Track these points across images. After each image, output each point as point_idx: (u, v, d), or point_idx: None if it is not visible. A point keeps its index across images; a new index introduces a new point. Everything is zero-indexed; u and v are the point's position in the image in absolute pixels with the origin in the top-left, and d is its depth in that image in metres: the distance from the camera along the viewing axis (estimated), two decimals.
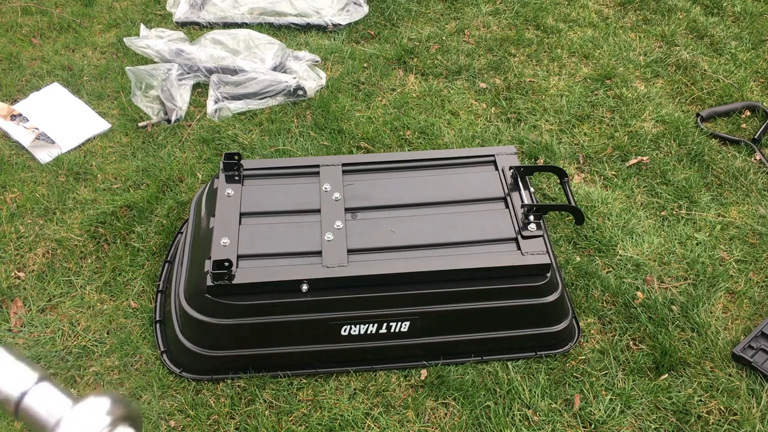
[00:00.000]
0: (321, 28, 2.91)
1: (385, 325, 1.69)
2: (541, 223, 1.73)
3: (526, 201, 1.78)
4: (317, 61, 2.72)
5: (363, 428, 1.65)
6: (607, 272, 1.99)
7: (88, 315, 1.88)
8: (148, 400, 1.70)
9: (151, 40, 2.70)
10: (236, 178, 1.83)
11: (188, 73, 2.60)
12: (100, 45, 2.82)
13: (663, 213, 2.17)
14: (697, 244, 2.07)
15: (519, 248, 1.68)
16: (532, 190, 1.82)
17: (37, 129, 2.40)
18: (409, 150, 2.35)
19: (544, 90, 2.62)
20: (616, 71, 2.70)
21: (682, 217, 2.16)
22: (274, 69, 2.62)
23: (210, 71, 2.60)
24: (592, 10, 3.05)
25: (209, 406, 1.68)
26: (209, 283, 1.59)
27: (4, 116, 2.45)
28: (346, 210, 1.75)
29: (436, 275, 1.64)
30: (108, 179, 2.26)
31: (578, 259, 2.01)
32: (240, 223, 1.72)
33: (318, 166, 1.87)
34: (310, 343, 1.72)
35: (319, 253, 1.65)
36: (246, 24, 2.91)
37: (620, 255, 2.03)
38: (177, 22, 2.93)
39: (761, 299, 1.93)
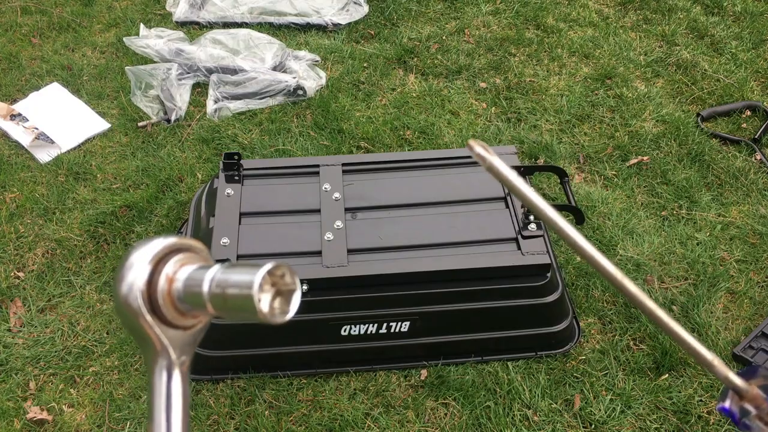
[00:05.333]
0: (321, 28, 2.91)
1: (385, 325, 1.69)
2: (542, 223, 1.73)
3: None
4: (317, 61, 2.72)
5: (363, 428, 1.65)
6: None
7: (88, 315, 1.87)
8: (147, 400, 1.69)
9: (150, 39, 2.70)
10: (236, 177, 1.83)
11: (188, 73, 2.60)
12: (100, 45, 2.82)
13: (663, 213, 2.17)
14: (697, 244, 2.07)
15: (519, 248, 1.67)
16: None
17: (36, 129, 2.40)
18: (409, 150, 2.35)
19: (544, 90, 2.61)
20: (616, 71, 2.70)
21: (683, 217, 2.15)
22: (274, 69, 2.61)
23: (210, 71, 2.59)
24: (592, 9, 3.05)
25: (209, 407, 1.68)
26: None
27: (4, 116, 2.45)
28: (346, 210, 1.75)
29: (436, 275, 1.64)
30: (108, 179, 2.25)
31: (578, 258, 2.01)
32: (240, 223, 1.71)
33: (318, 165, 1.87)
34: (310, 343, 1.72)
35: (319, 253, 1.65)
36: (246, 24, 2.90)
37: (621, 255, 2.02)
38: (177, 22, 2.93)
39: (762, 299, 1.93)
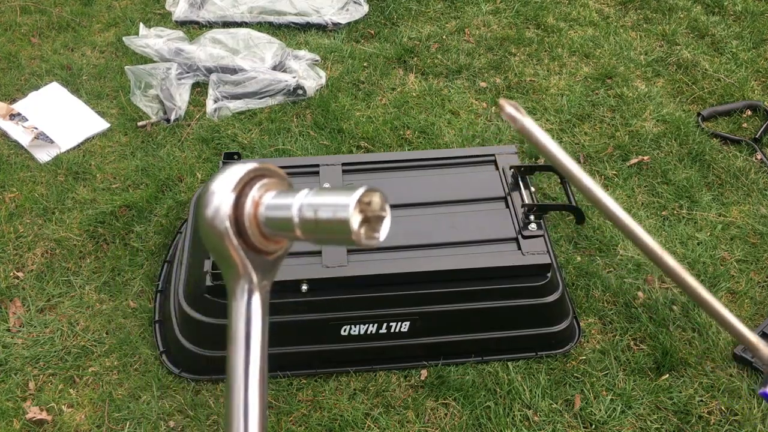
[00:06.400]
0: (321, 27, 2.91)
1: (385, 325, 1.68)
2: (542, 223, 1.73)
3: (527, 200, 1.77)
4: (317, 61, 2.71)
5: (363, 428, 1.65)
6: (608, 272, 1.98)
7: (87, 315, 1.87)
8: (147, 400, 1.69)
9: (150, 39, 2.70)
10: None
11: (187, 73, 2.59)
12: (99, 44, 2.82)
13: (664, 213, 2.17)
14: (698, 244, 2.06)
15: (519, 248, 1.67)
16: (532, 189, 1.82)
17: (36, 128, 2.40)
18: (409, 149, 2.35)
19: (544, 89, 2.61)
20: (616, 70, 2.69)
21: (683, 217, 2.15)
22: (274, 68, 2.61)
23: (209, 70, 2.59)
24: (592, 9, 3.04)
25: (208, 407, 1.68)
26: (209, 283, 1.59)
27: (3, 116, 2.44)
28: None
29: (436, 275, 1.63)
30: (107, 179, 2.25)
31: (579, 258, 2.01)
32: None
33: (318, 165, 1.87)
34: (310, 343, 1.71)
35: (318, 253, 1.64)
36: (245, 23, 2.90)
37: (621, 255, 2.02)
38: (176, 21, 2.92)
39: (762, 299, 1.93)
